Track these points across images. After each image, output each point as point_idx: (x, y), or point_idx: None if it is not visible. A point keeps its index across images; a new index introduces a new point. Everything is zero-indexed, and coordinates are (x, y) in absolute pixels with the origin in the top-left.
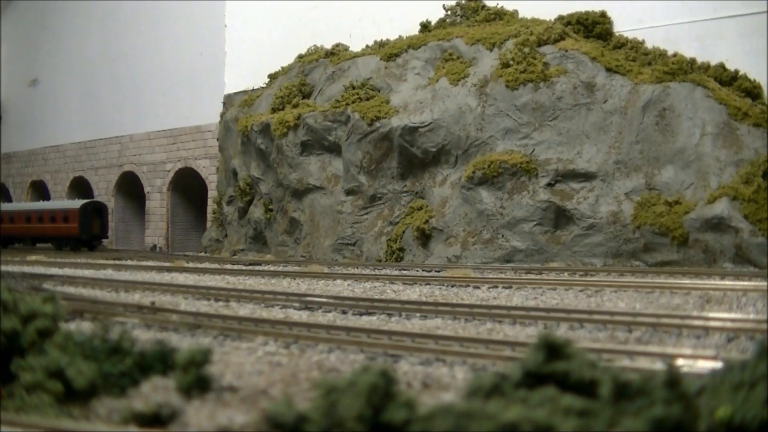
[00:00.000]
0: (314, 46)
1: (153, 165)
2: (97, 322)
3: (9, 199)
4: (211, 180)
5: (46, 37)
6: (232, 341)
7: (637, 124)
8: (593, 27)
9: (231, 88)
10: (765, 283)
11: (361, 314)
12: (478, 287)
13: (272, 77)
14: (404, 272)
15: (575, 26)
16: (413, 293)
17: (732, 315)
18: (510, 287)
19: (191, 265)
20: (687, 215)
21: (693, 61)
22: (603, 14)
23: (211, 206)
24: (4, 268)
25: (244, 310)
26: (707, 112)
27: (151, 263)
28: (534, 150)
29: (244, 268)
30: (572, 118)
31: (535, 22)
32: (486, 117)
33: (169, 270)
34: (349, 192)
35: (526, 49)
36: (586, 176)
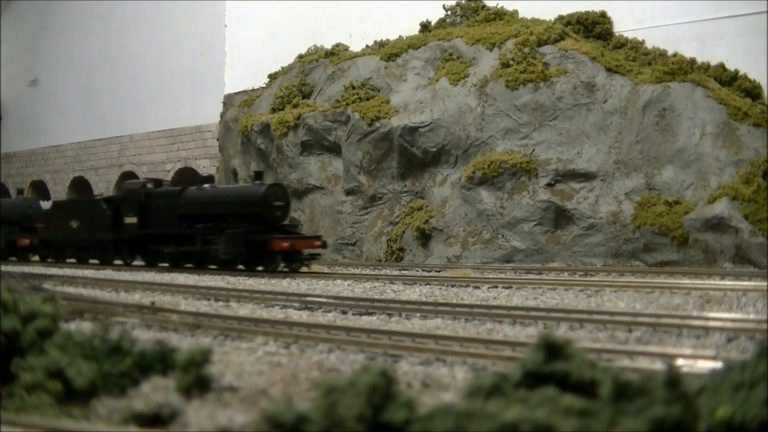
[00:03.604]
0: (314, 46)
1: (153, 165)
2: (97, 322)
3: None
4: None
5: (46, 37)
6: (232, 341)
7: (637, 124)
8: (593, 27)
9: (231, 88)
10: (765, 283)
11: (361, 314)
12: (478, 287)
13: (272, 77)
14: (404, 272)
15: (575, 26)
16: (413, 293)
17: (732, 315)
18: (510, 287)
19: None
20: (687, 215)
21: (693, 61)
22: (603, 14)
23: None
24: (4, 268)
25: (244, 310)
26: (707, 112)
27: None
28: (534, 150)
29: (244, 268)
30: (572, 118)
31: (535, 22)
32: (486, 117)
33: (169, 270)
34: (349, 192)
35: (526, 49)
36: (586, 176)
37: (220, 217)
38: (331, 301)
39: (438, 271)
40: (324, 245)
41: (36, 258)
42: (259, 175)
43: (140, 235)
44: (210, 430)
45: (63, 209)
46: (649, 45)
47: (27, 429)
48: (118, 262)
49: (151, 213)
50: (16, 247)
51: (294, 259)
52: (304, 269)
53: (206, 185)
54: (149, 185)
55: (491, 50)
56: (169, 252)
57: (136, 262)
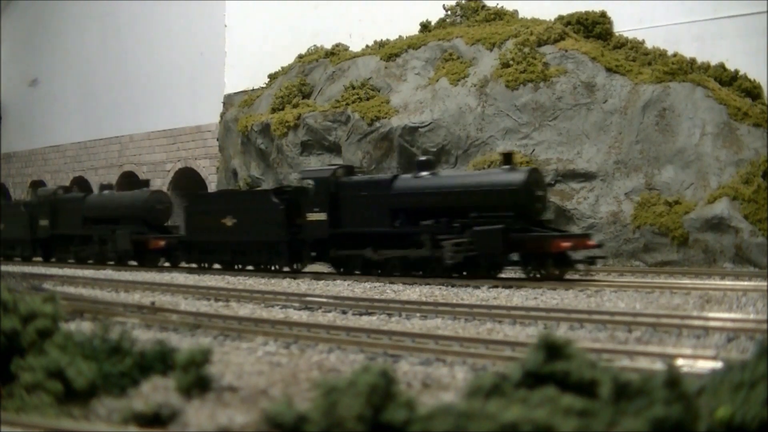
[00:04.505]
0: (314, 46)
1: (153, 165)
2: (97, 322)
3: (9, 200)
4: (211, 180)
5: (46, 37)
6: (232, 341)
7: (637, 124)
8: (593, 27)
9: (231, 88)
10: (765, 283)
11: (361, 314)
12: (478, 287)
13: (272, 77)
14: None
15: (575, 26)
16: (413, 293)
17: (732, 315)
18: (510, 287)
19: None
20: (687, 215)
21: (693, 61)
22: (603, 14)
23: None
24: (4, 268)
25: (244, 310)
26: (707, 112)
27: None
28: (534, 150)
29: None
30: (572, 118)
31: (535, 22)
32: (486, 117)
33: (169, 270)
34: None
35: (526, 49)
36: (586, 176)
37: (457, 211)
38: (331, 301)
39: None
40: (599, 245)
41: (167, 264)
42: (508, 158)
43: (331, 235)
44: (210, 430)
45: (211, 203)
46: (649, 45)
47: (27, 429)
48: (286, 268)
49: (346, 207)
50: (146, 249)
51: (564, 262)
52: (573, 275)
53: (424, 173)
54: (339, 173)
55: (491, 50)
56: (376, 258)
57: (308, 268)
